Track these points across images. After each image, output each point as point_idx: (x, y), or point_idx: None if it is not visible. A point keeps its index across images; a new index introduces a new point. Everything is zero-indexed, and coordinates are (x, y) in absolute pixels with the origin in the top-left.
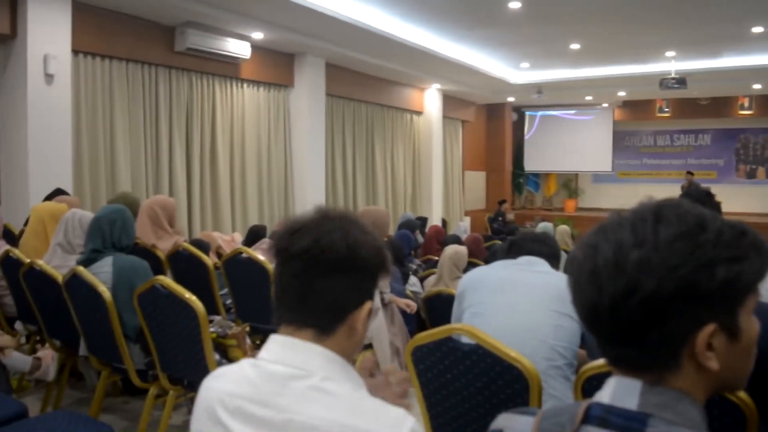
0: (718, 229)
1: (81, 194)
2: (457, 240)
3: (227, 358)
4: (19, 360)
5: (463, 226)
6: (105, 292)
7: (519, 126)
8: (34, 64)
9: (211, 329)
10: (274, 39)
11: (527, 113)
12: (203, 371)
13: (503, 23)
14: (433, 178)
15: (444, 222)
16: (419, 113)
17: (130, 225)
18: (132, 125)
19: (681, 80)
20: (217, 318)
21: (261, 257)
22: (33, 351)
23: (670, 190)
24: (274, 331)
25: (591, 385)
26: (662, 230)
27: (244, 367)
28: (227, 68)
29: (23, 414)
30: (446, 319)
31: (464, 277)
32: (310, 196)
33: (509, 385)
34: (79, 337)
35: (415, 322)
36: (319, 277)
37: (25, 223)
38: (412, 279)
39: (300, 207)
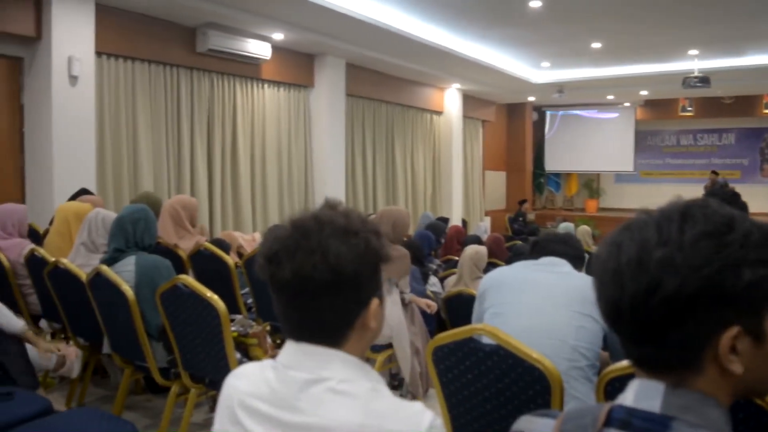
0: (746, 230)
1: (104, 194)
2: (477, 240)
3: (248, 356)
4: (44, 357)
5: (483, 226)
6: (128, 290)
7: (540, 126)
8: (58, 65)
9: (233, 328)
10: (294, 39)
11: (548, 113)
12: (224, 370)
13: (524, 22)
14: (453, 178)
15: (464, 222)
16: (439, 113)
17: (152, 224)
18: (154, 126)
19: (704, 79)
20: (238, 317)
21: None
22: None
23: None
24: None
25: (613, 387)
26: (688, 229)
27: (265, 368)
28: (248, 69)
29: (49, 410)
30: (466, 320)
31: (485, 277)
32: (330, 195)
33: (531, 386)
34: (102, 335)
35: (435, 322)
36: (312, 301)
37: (50, 223)
38: (433, 279)
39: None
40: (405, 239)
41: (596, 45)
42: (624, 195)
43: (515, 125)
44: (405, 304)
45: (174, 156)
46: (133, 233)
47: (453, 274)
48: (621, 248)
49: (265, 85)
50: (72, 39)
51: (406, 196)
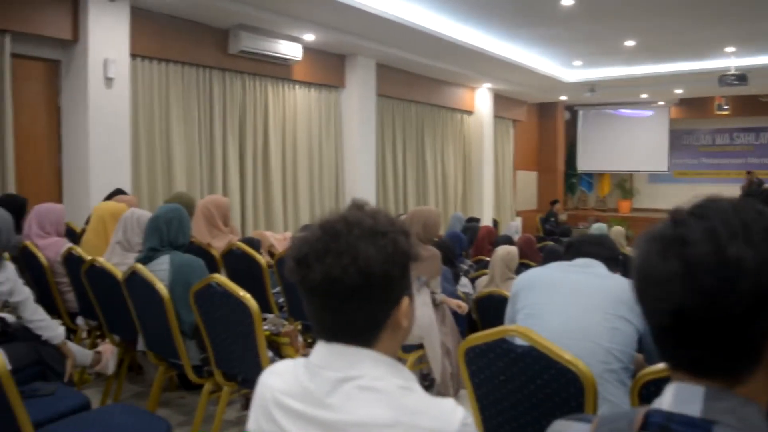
0: None
1: (138, 194)
2: (508, 240)
3: (280, 355)
4: (80, 354)
5: (514, 227)
6: (162, 289)
7: (572, 125)
8: (94, 68)
9: (265, 327)
10: (325, 40)
11: (580, 112)
12: (257, 368)
13: (556, 20)
14: (484, 178)
15: (495, 222)
16: (470, 113)
17: (186, 224)
18: (187, 126)
19: (741, 76)
20: (270, 316)
21: None
22: (93, 345)
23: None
24: None
25: (649, 390)
26: (753, 224)
27: (297, 366)
28: (279, 70)
29: (87, 406)
30: (498, 321)
31: (519, 277)
32: (360, 196)
33: (564, 389)
34: (137, 333)
35: (466, 323)
36: (343, 303)
37: (86, 222)
38: (463, 280)
39: None
40: (436, 239)
41: (629, 43)
42: (658, 195)
43: (547, 125)
44: (436, 305)
45: (206, 156)
46: (167, 233)
47: (484, 274)
48: (685, 244)
49: (296, 86)
50: (108, 42)
51: (436, 196)
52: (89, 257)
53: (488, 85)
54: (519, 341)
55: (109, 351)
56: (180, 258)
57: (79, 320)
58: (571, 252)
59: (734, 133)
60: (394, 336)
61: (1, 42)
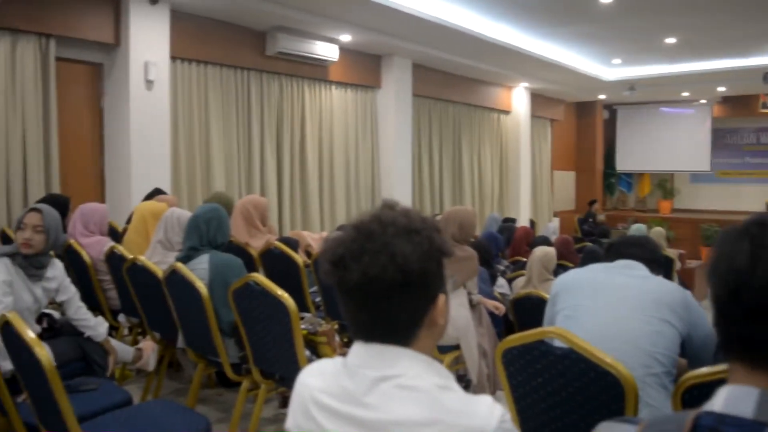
0: None
1: (178, 193)
2: (546, 241)
3: (317, 354)
4: (122, 350)
5: (552, 227)
6: (202, 287)
7: (610, 124)
8: (135, 70)
9: (302, 326)
10: (361, 41)
11: (619, 111)
12: (294, 367)
13: (594, 18)
14: (521, 179)
15: (532, 223)
16: (507, 112)
17: (225, 224)
18: (225, 127)
19: None
20: (307, 315)
21: None
22: (135, 342)
23: None
24: None
25: (692, 395)
26: None
27: (336, 365)
28: (316, 71)
29: (128, 402)
30: (535, 322)
31: (559, 278)
32: (396, 196)
33: (604, 392)
34: (177, 330)
35: (503, 324)
36: (383, 302)
37: (128, 221)
38: (500, 281)
39: None
40: (472, 240)
41: (670, 40)
42: (700, 195)
43: (585, 124)
44: (473, 306)
45: (245, 156)
46: (206, 232)
47: (521, 275)
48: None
49: (333, 87)
50: (148, 45)
51: (473, 196)
52: (131, 256)
53: (525, 84)
54: (558, 343)
55: (149, 348)
56: (219, 257)
57: (121, 317)
58: (612, 253)
59: None
60: (430, 334)
61: (46, 46)
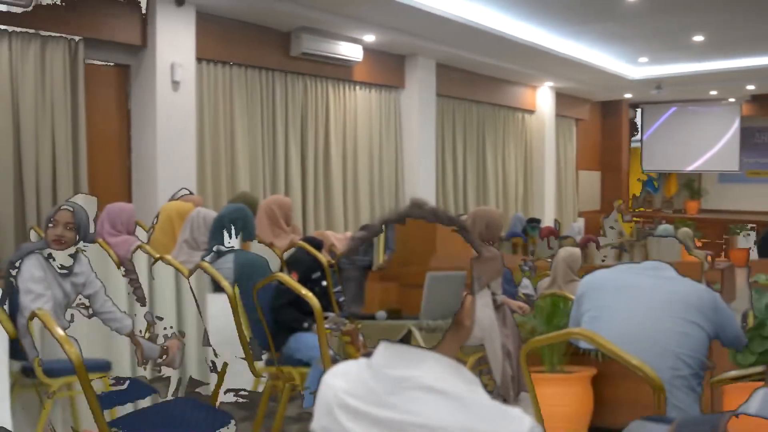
0: None
1: (203, 193)
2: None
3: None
4: (148, 348)
5: (576, 227)
6: (227, 287)
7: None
8: (162, 72)
9: (326, 326)
10: (385, 41)
11: (646, 110)
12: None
13: (620, 16)
14: (546, 178)
15: (557, 223)
16: (531, 112)
17: (250, 223)
18: (250, 128)
19: None
20: (331, 315)
21: None
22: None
23: None
24: None
25: None
26: None
27: (361, 366)
28: (340, 71)
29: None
30: None
31: (584, 279)
32: (420, 196)
33: None
34: None
35: None
36: None
37: (155, 221)
38: (525, 281)
39: None
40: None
41: (698, 38)
42: (728, 196)
43: (610, 123)
44: (497, 306)
45: (269, 157)
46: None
47: (546, 276)
48: None
49: (357, 87)
50: (175, 46)
51: (497, 196)
52: (157, 255)
53: (550, 83)
54: (584, 344)
55: (175, 346)
56: (244, 256)
57: (148, 316)
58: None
59: None
60: (456, 335)
61: (75, 49)
